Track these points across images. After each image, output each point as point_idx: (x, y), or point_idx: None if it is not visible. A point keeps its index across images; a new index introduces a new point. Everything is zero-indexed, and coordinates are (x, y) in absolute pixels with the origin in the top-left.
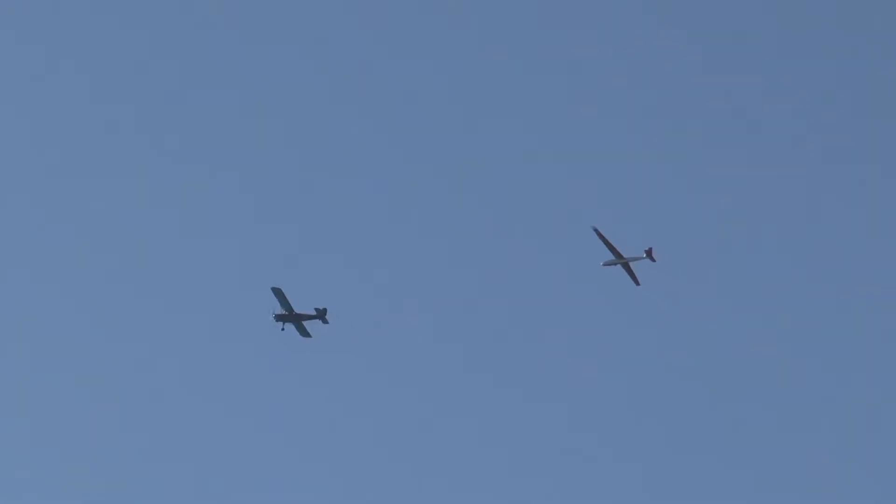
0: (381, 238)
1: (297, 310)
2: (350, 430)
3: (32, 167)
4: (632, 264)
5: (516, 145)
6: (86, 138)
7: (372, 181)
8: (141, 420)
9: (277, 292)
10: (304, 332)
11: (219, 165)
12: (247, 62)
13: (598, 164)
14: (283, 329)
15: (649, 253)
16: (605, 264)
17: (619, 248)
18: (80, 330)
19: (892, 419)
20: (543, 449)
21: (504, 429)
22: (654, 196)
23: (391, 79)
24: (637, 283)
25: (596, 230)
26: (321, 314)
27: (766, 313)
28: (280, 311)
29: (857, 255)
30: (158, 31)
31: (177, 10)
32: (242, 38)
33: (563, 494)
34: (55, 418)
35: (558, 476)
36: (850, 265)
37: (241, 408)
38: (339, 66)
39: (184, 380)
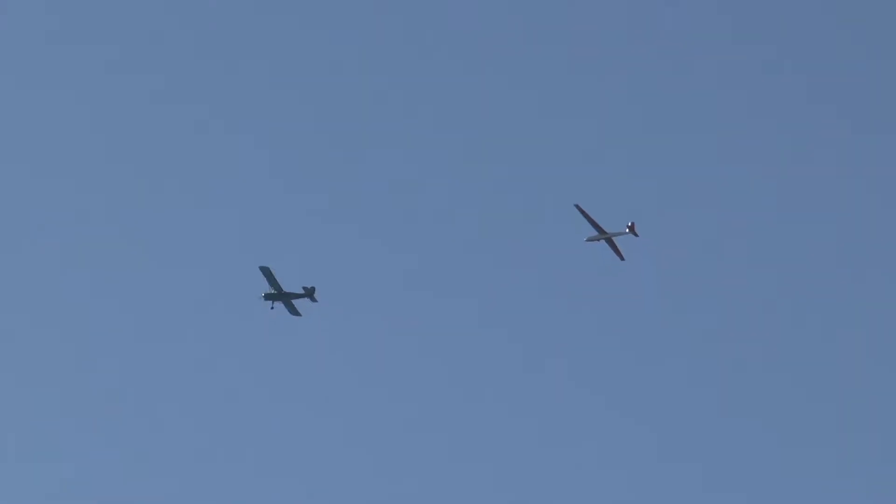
0: (371, 217)
1: (286, 289)
2: (340, 409)
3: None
4: (615, 239)
5: (498, 126)
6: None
7: (363, 162)
8: (130, 403)
9: (266, 271)
10: (294, 311)
11: (213, 145)
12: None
13: (581, 142)
14: (272, 308)
15: (632, 228)
16: (588, 240)
17: (601, 224)
18: (67, 313)
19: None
20: (529, 426)
21: (492, 406)
22: (636, 172)
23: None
24: (622, 258)
25: (578, 207)
26: (310, 293)
27: (752, 289)
28: (269, 290)
29: (847, 235)
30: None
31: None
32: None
33: (550, 477)
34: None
35: (547, 458)
36: (840, 244)
37: (232, 387)
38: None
39: (174, 361)
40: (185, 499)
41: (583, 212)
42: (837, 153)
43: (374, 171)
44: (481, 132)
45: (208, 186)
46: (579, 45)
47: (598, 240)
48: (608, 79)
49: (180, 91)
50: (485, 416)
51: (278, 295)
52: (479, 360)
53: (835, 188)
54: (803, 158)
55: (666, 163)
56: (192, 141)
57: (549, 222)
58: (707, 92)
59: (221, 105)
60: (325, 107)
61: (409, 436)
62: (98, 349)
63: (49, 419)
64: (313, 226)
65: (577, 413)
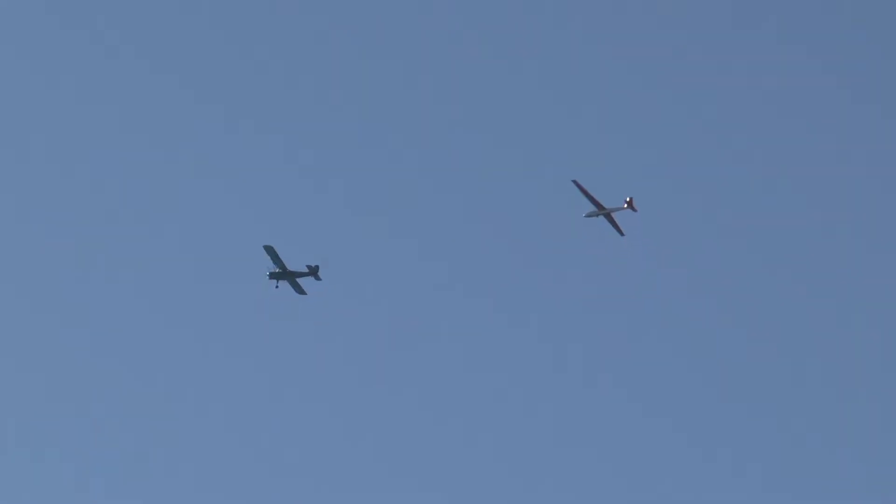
0: (370, 193)
1: (290, 267)
2: (351, 388)
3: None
4: (614, 215)
5: (498, 100)
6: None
7: (358, 136)
8: (136, 385)
9: (269, 250)
10: (300, 290)
11: (216, 131)
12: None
13: (578, 115)
14: (277, 287)
15: (630, 203)
16: (587, 216)
17: (600, 200)
18: (74, 298)
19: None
20: (532, 404)
21: (496, 385)
22: (635, 148)
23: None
24: (622, 233)
25: (576, 182)
26: (313, 271)
27: (751, 264)
28: (274, 269)
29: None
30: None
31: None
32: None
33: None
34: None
35: (546, 439)
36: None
37: (239, 366)
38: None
39: (180, 340)
40: (198, 482)
41: (580, 187)
42: (838, 137)
43: (376, 151)
44: (480, 112)
45: (210, 170)
46: (579, 27)
47: (597, 215)
48: (607, 58)
49: (185, 83)
50: (485, 394)
51: (283, 273)
52: (481, 339)
53: (835, 168)
54: (803, 137)
55: (667, 139)
56: (195, 128)
57: (548, 198)
58: (708, 73)
59: (223, 93)
60: (326, 96)
61: (409, 416)
62: (107, 332)
63: (48, 412)
64: (318, 205)
65: (575, 390)
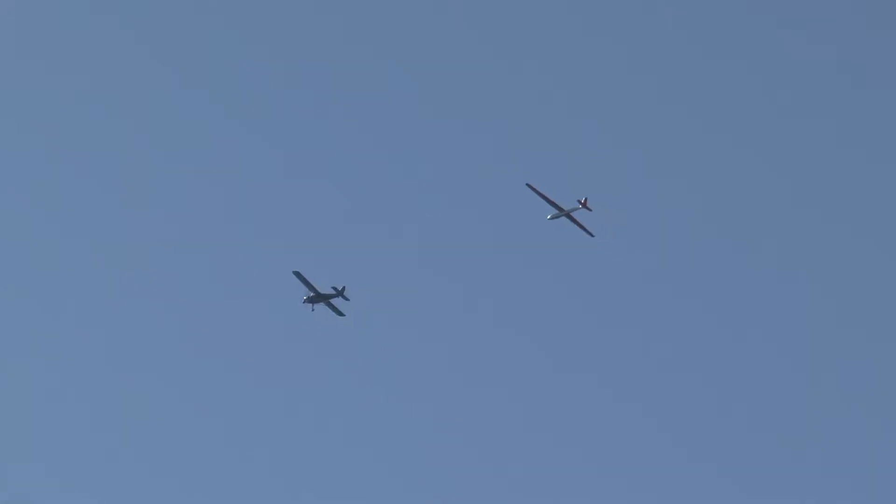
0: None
1: (319, 290)
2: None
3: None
4: (575, 215)
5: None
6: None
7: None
8: (187, 404)
9: (298, 275)
10: (338, 312)
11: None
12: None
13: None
14: (313, 310)
15: (584, 203)
16: (550, 218)
17: (556, 201)
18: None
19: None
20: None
21: (512, 393)
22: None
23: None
24: (591, 234)
25: (530, 186)
26: (340, 292)
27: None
28: (308, 294)
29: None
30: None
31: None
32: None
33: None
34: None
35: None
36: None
37: (296, 387)
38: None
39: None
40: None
41: (535, 190)
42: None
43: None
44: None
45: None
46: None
47: (559, 217)
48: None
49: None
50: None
51: (317, 297)
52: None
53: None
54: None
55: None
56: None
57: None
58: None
59: (227, 103)
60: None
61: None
62: (152, 363)
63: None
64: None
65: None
